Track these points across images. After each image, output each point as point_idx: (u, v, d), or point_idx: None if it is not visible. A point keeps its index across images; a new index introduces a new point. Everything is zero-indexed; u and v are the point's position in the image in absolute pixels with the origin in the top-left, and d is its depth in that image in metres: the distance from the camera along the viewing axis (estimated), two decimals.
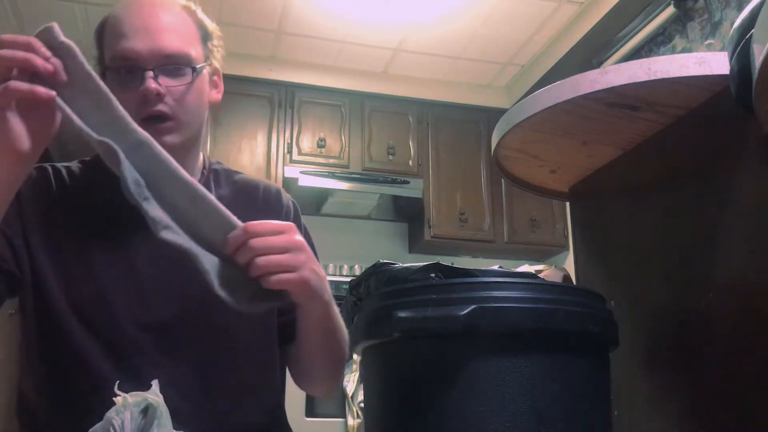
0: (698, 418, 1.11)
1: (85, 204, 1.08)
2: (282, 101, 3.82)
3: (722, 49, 1.02)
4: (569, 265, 3.15)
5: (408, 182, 3.92)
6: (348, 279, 3.04)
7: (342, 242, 3.99)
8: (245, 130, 3.79)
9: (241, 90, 3.83)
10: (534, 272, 1.33)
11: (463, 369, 0.89)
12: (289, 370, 1.16)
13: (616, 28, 3.39)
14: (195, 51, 1.09)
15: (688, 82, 1.07)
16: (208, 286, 0.87)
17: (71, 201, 1.07)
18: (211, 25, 1.16)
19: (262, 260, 0.86)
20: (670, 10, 3.05)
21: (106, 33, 1.10)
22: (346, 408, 3.06)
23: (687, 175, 1.19)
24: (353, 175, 3.84)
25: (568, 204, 1.59)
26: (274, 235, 0.88)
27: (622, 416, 1.24)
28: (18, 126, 0.84)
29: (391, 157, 3.98)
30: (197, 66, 1.07)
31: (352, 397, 3.01)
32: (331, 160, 3.86)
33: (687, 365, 1.15)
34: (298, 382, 1.16)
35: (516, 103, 1.27)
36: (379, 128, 4.03)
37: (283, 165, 3.78)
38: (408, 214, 4.14)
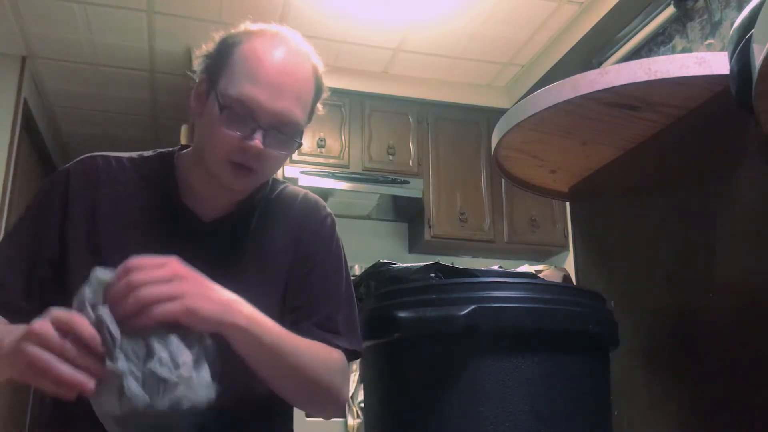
0: (698, 418, 1.11)
1: (131, 203, 1.10)
2: None
3: (722, 49, 1.02)
4: (569, 265, 3.14)
5: (408, 182, 3.92)
6: None
7: (342, 242, 3.99)
8: None
9: None
10: (534, 272, 1.33)
11: (463, 369, 0.89)
12: None
13: (616, 28, 3.39)
14: (305, 119, 1.12)
15: (688, 82, 1.06)
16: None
17: (118, 198, 1.10)
18: (324, 88, 1.19)
19: (141, 293, 0.83)
20: (670, 10, 3.05)
21: (236, 58, 1.08)
22: (346, 408, 3.06)
23: (687, 175, 1.19)
24: (353, 175, 3.84)
25: (568, 204, 1.59)
26: (154, 269, 0.86)
27: (622, 416, 1.24)
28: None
29: (391, 157, 3.98)
30: (301, 140, 1.11)
31: (352, 397, 3.01)
32: (331, 160, 3.86)
33: (687, 365, 1.15)
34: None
35: (516, 103, 1.27)
36: (379, 128, 4.03)
37: (283, 165, 3.78)
38: (408, 214, 4.14)
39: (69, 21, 3.50)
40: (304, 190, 1.25)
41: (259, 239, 1.14)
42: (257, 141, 1.03)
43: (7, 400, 4.11)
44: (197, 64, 1.14)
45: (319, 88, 1.16)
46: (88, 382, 0.78)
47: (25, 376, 0.80)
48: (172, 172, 1.15)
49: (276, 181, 1.23)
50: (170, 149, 1.18)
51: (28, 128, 4.10)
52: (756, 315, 1.01)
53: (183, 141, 3.83)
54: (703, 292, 1.11)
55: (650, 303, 1.24)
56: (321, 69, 1.16)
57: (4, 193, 3.75)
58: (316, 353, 1.03)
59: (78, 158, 1.15)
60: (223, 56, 1.09)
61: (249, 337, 0.93)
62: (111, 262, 0.95)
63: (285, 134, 1.07)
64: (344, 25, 3.66)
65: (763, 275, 1.01)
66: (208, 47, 1.12)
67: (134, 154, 1.17)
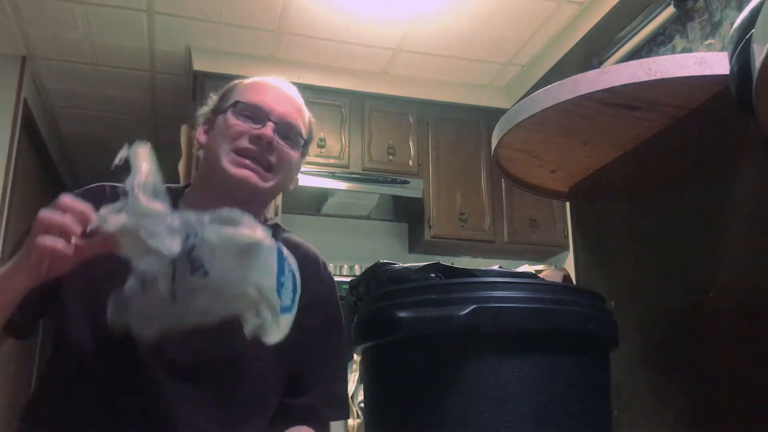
0: (698, 418, 1.11)
1: None
2: None
3: (722, 49, 1.02)
4: (569, 265, 3.14)
5: (408, 182, 3.92)
6: (348, 279, 3.03)
7: (342, 242, 3.99)
8: None
9: None
10: (534, 272, 1.33)
11: (463, 369, 0.89)
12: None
13: (616, 28, 3.39)
14: (303, 136, 1.21)
15: (688, 82, 1.06)
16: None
17: None
18: (313, 136, 1.27)
19: None
20: (670, 10, 3.05)
21: (240, 89, 1.19)
22: None
23: (687, 175, 1.19)
24: (353, 175, 3.84)
25: (568, 204, 1.59)
26: None
27: (622, 416, 1.24)
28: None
29: (391, 157, 3.98)
30: (304, 147, 1.20)
31: (352, 397, 3.01)
32: (331, 160, 3.86)
33: (687, 365, 1.15)
34: None
35: (516, 103, 1.27)
36: (379, 128, 4.03)
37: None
38: (408, 214, 4.14)
39: (69, 21, 3.50)
40: (301, 240, 1.28)
41: None
42: (268, 129, 1.11)
43: (8, 395, 4.11)
44: (199, 118, 1.23)
45: (310, 131, 1.24)
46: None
47: (40, 263, 0.85)
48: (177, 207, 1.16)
49: (276, 227, 1.26)
50: (177, 185, 1.21)
51: (28, 128, 4.10)
52: (756, 315, 1.01)
53: (183, 141, 3.83)
54: (703, 292, 1.11)
55: (650, 303, 1.24)
56: (313, 119, 1.26)
57: (4, 193, 3.75)
58: None
59: (87, 186, 1.17)
60: (226, 94, 1.20)
61: None
62: (104, 294, 0.95)
63: (291, 134, 1.15)
64: (344, 25, 3.66)
65: (763, 275, 1.01)
66: (207, 103, 1.24)
67: None
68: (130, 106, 4.47)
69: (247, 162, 1.10)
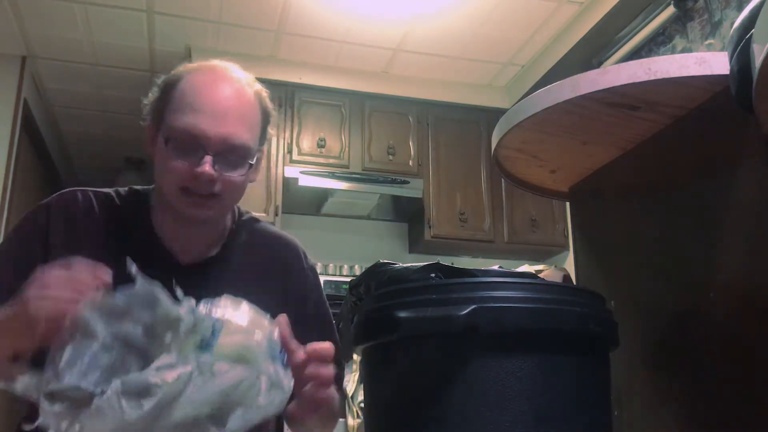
0: (698, 418, 1.11)
1: (108, 241, 1.10)
2: (282, 101, 3.81)
3: (722, 49, 1.02)
4: (569, 265, 3.14)
5: (408, 182, 3.92)
6: (348, 279, 3.03)
7: (342, 242, 3.99)
8: None
9: None
10: (534, 272, 1.33)
11: (463, 369, 0.89)
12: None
13: (616, 28, 3.39)
14: (254, 141, 1.12)
15: (688, 82, 1.06)
16: None
17: (96, 235, 1.10)
18: (271, 110, 1.19)
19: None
20: (670, 10, 3.05)
21: (177, 93, 1.10)
22: (346, 408, 3.06)
23: (687, 175, 1.19)
24: (353, 175, 3.84)
25: (568, 204, 1.59)
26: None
27: (622, 416, 1.24)
28: None
29: (391, 157, 3.98)
30: (253, 161, 1.12)
31: (352, 397, 3.01)
32: (331, 160, 3.86)
33: (687, 365, 1.15)
34: None
35: (516, 103, 1.27)
36: (379, 128, 4.03)
37: (283, 165, 3.78)
38: (408, 214, 4.14)
39: (69, 21, 3.50)
40: (279, 231, 1.29)
41: (240, 284, 1.10)
42: (206, 166, 1.05)
43: (8, 397, 4.11)
44: (144, 109, 1.16)
45: (265, 111, 1.17)
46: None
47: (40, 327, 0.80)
48: (148, 211, 1.16)
49: (252, 221, 1.25)
50: (144, 187, 1.19)
51: (28, 128, 4.10)
52: (756, 315, 1.01)
53: None
54: (703, 292, 1.11)
55: (650, 303, 1.24)
56: (265, 93, 1.17)
57: (4, 193, 3.75)
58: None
59: (58, 192, 1.16)
60: (165, 96, 1.11)
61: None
62: None
63: (235, 157, 1.09)
64: (344, 25, 3.66)
65: (763, 275, 1.01)
66: (152, 93, 1.15)
67: (111, 190, 1.18)
68: (130, 106, 4.47)
69: (188, 200, 1.07)
